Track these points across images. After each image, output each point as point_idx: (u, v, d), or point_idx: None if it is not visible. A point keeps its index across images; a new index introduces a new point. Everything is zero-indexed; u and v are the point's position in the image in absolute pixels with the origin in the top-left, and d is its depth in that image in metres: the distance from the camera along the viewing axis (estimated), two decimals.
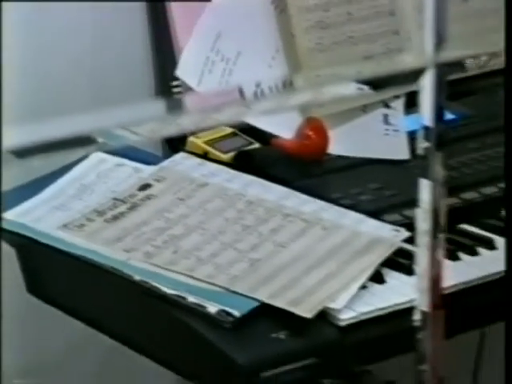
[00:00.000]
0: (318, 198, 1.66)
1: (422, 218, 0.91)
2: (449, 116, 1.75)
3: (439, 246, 0.93)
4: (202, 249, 1.55)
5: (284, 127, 1.75)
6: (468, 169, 1.71)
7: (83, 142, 0.80)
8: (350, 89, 0.96)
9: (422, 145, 0.91)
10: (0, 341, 0.62)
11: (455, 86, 1.74)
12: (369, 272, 1.52)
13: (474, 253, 1.63)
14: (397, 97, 1.73)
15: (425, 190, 0.89)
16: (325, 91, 0.99)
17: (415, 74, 0.90)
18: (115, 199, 1.64)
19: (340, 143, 1.77)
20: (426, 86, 0.88)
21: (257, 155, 1.75)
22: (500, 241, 1.64)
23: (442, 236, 0.93)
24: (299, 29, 1.80)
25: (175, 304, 1.48)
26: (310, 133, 1.74)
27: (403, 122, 1.78)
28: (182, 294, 1.48)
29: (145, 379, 1.85)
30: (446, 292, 0.96)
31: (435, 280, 0.91)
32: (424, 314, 0.89)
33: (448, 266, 1.55)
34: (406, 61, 0.89)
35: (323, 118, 1.75)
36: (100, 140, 0.82)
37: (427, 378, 0.91)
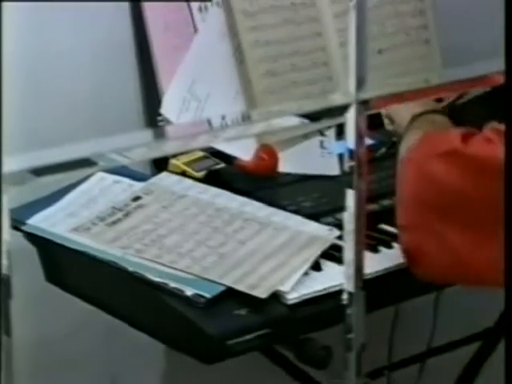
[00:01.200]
0: (270, 206, 1.66)
1: (349, 220, 0.92)
2: (368, 141, 1.76)
3: (362, 241, 0.93)
4: (181, 246, 1.54)
5: (244, 151, 1.75)
6: (385, 181, 1.70)
7: (88, 163, 0.80)
8: (294, 121, 0.97)
9: (348, 163, 0.91)
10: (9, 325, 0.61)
11: (374, 117, 1.76)
12: (309, 262, 1.52)
13: (389, 246, 1.62)
14: (329, 127, 1.74)
15: (350, 198, 0.90)
16: (274, 123, 1.00)
17: (342, 109, 0.90)
18: (113, 208, 1.63)
19: (287, 163, 1.77)
20: (351, 119, 0.89)
21: (223, 173, 1.75)
22: None
23: (363, 233, 0.93)
24: (254, 76, 1.79)
25: (160, 289, 1.47)
26: (264, 155, 1.74)
27: (334, 147, 1.79)
28: (165, 281, 1.47)
29: (138, 348, 1.83)
30: (368, 277, 0.97)
31: (359, 268, 0.91)
32: (350, 294, 0.90)
33: (369, 257, 1.57)
34: (336, 99, 0.89)
35: (274, 144, 1.75)
36: (101, 162, 0.82)
37: (353, 344, 0.91)
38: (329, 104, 0.91)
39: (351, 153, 0.92)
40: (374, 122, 1.69)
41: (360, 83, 0.88)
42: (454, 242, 1.52)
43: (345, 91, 0.91)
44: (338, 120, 0.93)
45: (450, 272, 1.55)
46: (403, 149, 1.61)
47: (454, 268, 1.53)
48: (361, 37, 0.88)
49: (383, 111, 1.77)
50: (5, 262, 0.67)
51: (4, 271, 0.69)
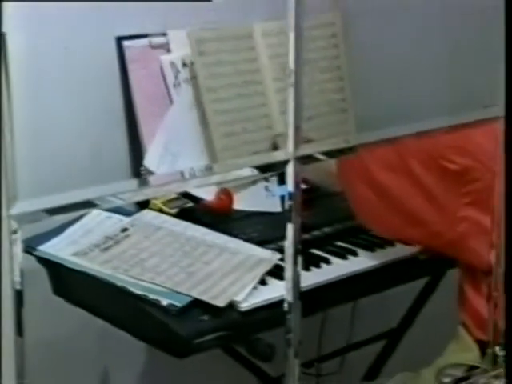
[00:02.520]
0: (227, 235, 1.66)
1: (288, 246, 0.91)
2: (303, 186, 1.77)
3: (298, 262, 0.93)
4: (158, 266, 1.54)
5: (207, 193, 1.75)
6: (316, 218, 1.71)
7: (90, 205, 0.80)
8: (246, 172, 0.97)
9: (288, 203, 0.91)
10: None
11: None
12: (258, 278, 1.53)
13: (319, 266, 1.63)
14: (273, 175, 1.75)
15: (289, 229, 0.90)
16: (231, 174, 1.00)
17: (284, 163, 0.90)
18: (106, 237, 1.63)
19: (240, 202, 1.78)
20: (290, 170, 0.89)
21: (191, 210, 1.75)
22: (333, 259, 1.65)
23: (299, 256, 0.93)
24: (215, 137, 1.79)
25: (142, 300, 1.47)
26: (222, 196, 1.75)
27: (277, 190, 1.79)
28: (146, 294, 1.47)
29: (125, 347, 1.82)
30: (303, 290, 0.96)
31: (296, 283, 0.91)
32: (289, 303, 0.89)
33: (304, 274, 1.57)
34: (278, 156, 0.89)
35: (230, 188, 1.76)
36: (100, 203, 0.82)
37: (291, 342, 0.91)
38: (273, 159, 0.92)
39: (290, 195, 0.92)
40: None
41: (297, 144, 0.88)
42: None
43: (285, 149, 0.91)
44: (280, 170, 0.93)
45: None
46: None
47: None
48: (297, 106, 0.88)
49: None
50: (18, 279, 0.66)
51: (18, 286, 0.68)
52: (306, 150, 0.89)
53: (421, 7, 2.03)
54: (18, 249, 0.66)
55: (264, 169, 0.96)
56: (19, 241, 0.66)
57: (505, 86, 1.11)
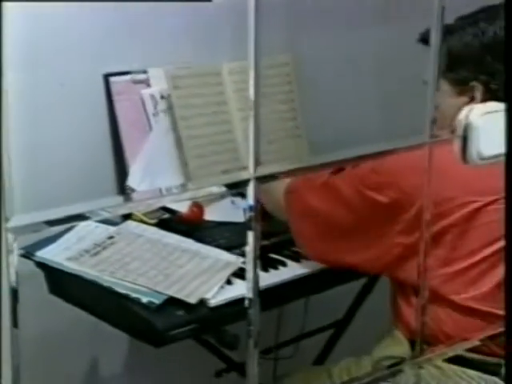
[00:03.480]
0: (198, 242, 1.64)
1: (249, 251, 0.90)
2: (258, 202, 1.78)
3: (257, 265, 0.91)
4: (139, 269, 1.52)
5: (182, 207, 1.74)
6: (274, 227, 1.70)
7: (80, 217, 0.78)
8: (215, 189, 0.96)
9: (249, 214, 0.90)
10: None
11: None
12: (224, 279, 1.51)
13: (276, 268, 1.61)
14: (238, 192, 1.74)
15: (250, 237, 0.88)
16: (202, 190, 0.98)
17: (246, 181, 0.89)
18: (95, 244, 1.60)
19: (210, 213, 1.76)
20: (250, 188, 0.87)
21: (168, 221, 1.72)
22: (288, 262, 1.64)
23: (258, 260, 0.91)
24: (189, 158, 1.80)
25: (125, 298, 1.45)
26: (194, 209, 1.73)
27: (241, 203, 1.78)
28: (129, 293, 1.46)
29: (112, 339, 1.79)
30: (261, 289, 0.95)
31: (255, 282, 0.89)
32: (250, 300, 0.87)
33: (262, 275, 1.56)
34: (242, 175, 0.88)
35: (201, 201, 1.74)
36: (88, 215, 0.80)
37: (252, 333, 0.89)
38: (236, 178, 0.90)
39: (251, 208, 0.91)
40: None
41: (257, 165, 0.87)
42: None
43: (247, 170, 0.90)
44: (244, 188, 0.91)
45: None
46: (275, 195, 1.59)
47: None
48: (257, 133, 0.87)
49: None
50: (14, 278, 0.67)
51: (14, 285, 0.68)
52: (264, 170, 0.87)
53: (358, 54, 2.06)
54: (15, 257, 0.67)
55: (230, 186, 0.95)
56: (15, 250, 0.66)
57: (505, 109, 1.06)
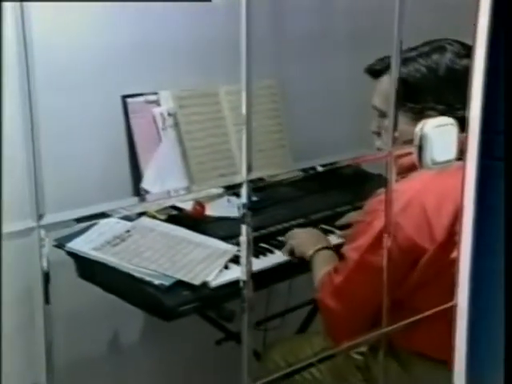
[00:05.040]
0: (201, 234, 1.62)
1: (243, 241, 0.90)
2: (254, 198, 1.76)
3: (250, 252, 0.91)
4: (152, 257, 1.51)
5: (187, 205, 1.72)
6: (264, 221, 1.70)
7: (104, 215, 0.78)
8: (214, 191, 0.95)
9: (242, 211, 0.89)
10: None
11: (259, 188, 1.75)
12: (223, 264, 1.50)
13: (265, 255, 1.61)
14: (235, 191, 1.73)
15: (243, 229, 0.88)
16: (204, 192, 0.98)
17: (240, 184, 0.88)
18: (115, 236, 1.59)
19: (210, 210, 1.74)
20: (244, 189, 0.87)
21: (176, 217, 1.70)
22: (275, 250, 1.62)
23: (251, 248, 0.91)
24: (192, 165, 1.79)
25: (140, 281, 1.44)
26: (197, 207, 1.71)
27: (235, 201, 1.75)
28: (143, 276, 1.45)
29: (130, 315, 1.77)
30: (253, 272, 0.94)
31: (249, 267, 0.89)
32: (244, 281, 0.87)
33: (254, 261, 1.55)
34: (236, 179, 0.87)
35: (203, 201, 1.72)
36: (109, 213, 0.80)
37: (245, 309, 0.88)
38: (232, 181, 0.90)
39: (244, 205, 0.90)
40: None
41: (249, 170, 0.87)
42: None
43: (240, 174, 0.89)
44: (238, 189, 0.91)
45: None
46: (315, 279, 1.47)
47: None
48: (249, 143, 0.87)
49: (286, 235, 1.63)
50: (45, 264, 0.67)
51: (46, 269, 0.68)
52: (255, 174, 0.86)
53: (332, 77, 2.05)
54: (47, 247, 0.67)
55: (227, 188, 0.95)
56: (47, 242, 0.66)
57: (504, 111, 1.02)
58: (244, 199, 0.86)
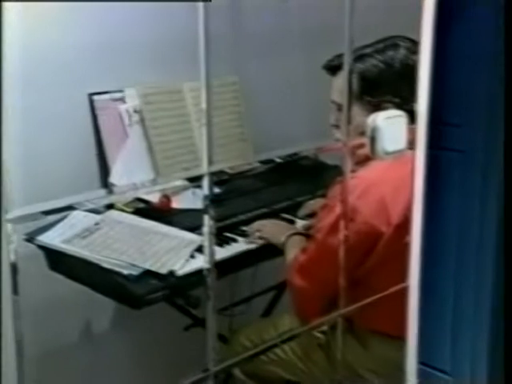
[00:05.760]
0: (168, 225, 1.61)
1: (205, 231, 0.89)
2: (219, 190, 1.76)
3: (212, 241, 0.91)
4: (120, 248, 1.50)
5: (154, 198, 1.71)
6: (227, 211, 1.70)
7: (71, 207, 0.77)
8: (178, 183, 0.95)
9: (204, 203, 0.89)
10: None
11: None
12: (189, 253, 1.50)
13: (229, 244, 1.61)
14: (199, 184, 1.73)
15: (206, 220, 0.88)
16: (167, 184, 0.97)
17: (201, 176, 0.88)
18: (84, 229, 1.57)
19: (176, 202, 1.73)
20: (205, 181, 0.87)
21: (143, 209, 1.70)
22: (239, 239, 1.63)
23: (213, 237, 0.91)
24: (158, 159, 1.78)
25: (110, 271, 1.43)
26: (164, 199, 1.71)
27: (200, 194, 1.76)
28: (113, 267, 1.43)
29: (102, 304, 1.75)
30: (217, 261, 0.94)
31: (211, 255, 0.89)
32: (208, 270, 0.87)
33: (218, 250, 1.55)
34: (199, 171, 0.87)
35: (169, 193, 1.71)
36: (76, 206, 0.79)
37: (210, 295, 0.89)
38: (195, 173, 0.90)
39: (206, 197, 0.90)
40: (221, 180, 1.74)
41: (210, 163, 0.86)
42: None
43: (202, 167, 0.89)
44: (200, 181, 0.90)
45: None
46: (287, 262, 1.49)
47: None
48: (209, 138, 0.87)
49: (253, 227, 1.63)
50: (13, 256, 0.67)
51: (13, 261, 0.68)
52: (216, 167, 0.86)
53: (290, 73, 2.06)
54: (15, 240, 0.66)
55: (190, 180, 0.94)
56: (15, 235, 0.66)
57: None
58: (206, 191, 0.86)
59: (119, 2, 1.69)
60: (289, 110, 2.07)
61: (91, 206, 0.86)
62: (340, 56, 1.38)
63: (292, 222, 1.73)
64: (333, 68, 1.41)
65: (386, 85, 1.34)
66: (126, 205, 1.69)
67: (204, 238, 0.94)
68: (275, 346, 1.40)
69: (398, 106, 1.24)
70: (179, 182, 1.01)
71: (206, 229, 0.89)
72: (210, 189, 0.88)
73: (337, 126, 1.44)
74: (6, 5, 0.61)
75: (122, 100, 1.80)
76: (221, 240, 1.61)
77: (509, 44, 0.99)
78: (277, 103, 2.05)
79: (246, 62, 2.02)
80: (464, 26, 1.80)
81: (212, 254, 0.89)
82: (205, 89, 0.85)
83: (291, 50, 2.04)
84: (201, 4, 0.78)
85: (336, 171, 1.34)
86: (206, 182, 0.87)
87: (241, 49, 1.99)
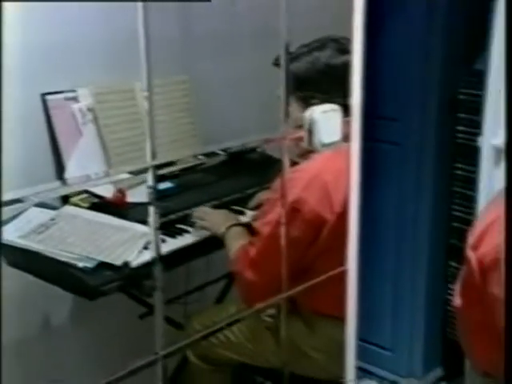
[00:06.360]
0: (122, 219, 1.60)
1: (151, 221, 0.90)
2: (167, 184, 1.76)
3: (158, 232, 0.91)
4: (76, 242, 1.48)
5: (109, 192, 1.70)
6: (180, 204, 1.69)
7: (20, 201, 0.76)
8: (127, 175, 0.95)
9: (149, 193, 0.89)
10: None
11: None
12: (142, 245, 1.49)
13: (181, 235, 1.61)
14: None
15: (151, 210, 0.88)
16: (120, 176, 0.97)
17: (146, 169, 0.88)
18: (40, 224, 1.55)
19: (131, 197, 1.71)
20: (150, 174, 0.87)
21: (98, 204, 1.68)
22: (191, 229, 1.62)
23: (158, 227, 0.91)
24: (111, 154, 1.77)
25: (65, 264, 1.42)
26: (118, 194, 1.69)
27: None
28: (68, 260, 1.42)
29: (59, 296, 1.72)
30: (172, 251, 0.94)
31: (157, 247, 0.89)
32: (154, 259, 0.87)
33: (171, 241, 1.55)
34: (143, 164, 0.87)
35: (124, 188, 1.69)
36: (29, 199, 0.78)
37: (157, 285, 0.89)
38: (140, 167, 0.90)
39: (150, 188, 0.91)
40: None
41: (153, 157, 0.87)
42: None
43: (147, 160, 0.89)
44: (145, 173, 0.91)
45: None
46: (230, 253, 1.49)
47: None
48: (152, 133, 0.87)
49: (195, 214, 1.62)
50: None
51: None
52: (159, 160, 0.87)
53: (238, 71, 2.07)
54: None
55: (135, 173, 0.94)
56: None
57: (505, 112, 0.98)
58: (150, 182, 0.86)
59: (71, 2, 1.66)
60: (237, 106, 2.08)
61: (43, 200, 0.84)
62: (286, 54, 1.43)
63: (242, 213, 1.74)
64: (279, 65, 1.45)
65: (310, 82, 1.40)
66: (82, 200, 1.67)
67: (149, 228, 0.94)
68: (222, 328, 1.41)
69: (323, 101, 1.29)
70: (127, 176, 1.00)
71: (151, 219, 0.89)
72: (155, 181, 0.88)
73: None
74: (5, 5, 0.59)
75: (75, 99, 1.78)
76: (174, 232, 1.61)
77: (509, 43, 0.98)
78: (226, 100, 2.06)
79: (196, 61, 2.02)
80: (396, 25, 1.86)
81: (158, 244, 0.90)
82: (147, 89, 0.86)
83: (238, 49, 2.05)
84: (140, 4, 0.78)
85: (281, 164, 1.38)
86: (150, 175, 0.87)
87: (191, 49, 1.99)
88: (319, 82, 1.40)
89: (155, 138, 0.90)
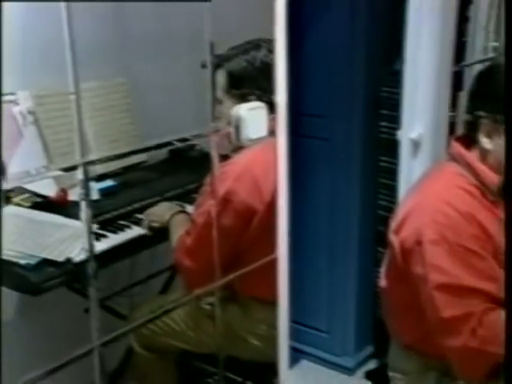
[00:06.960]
0: (64, 217, 1.57)
1: (83, 216, 0.88)
2: (109, 183, 1.74)
3: (90, 226, 0.89)
4: (17, 241, 1.45)
5: (52, 192, 1.67)
6: (123, 201, 1.66)
7: None
8: (61, 173, 0.93)
9: (80, 190, 0.88)
10: None
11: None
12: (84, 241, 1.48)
13: (123, 231, 1.60)
14: (94, 178, 1.70)
15: (83, 205, 0.87)
16: (57, 173, 0.95)
17: (76, 166, 0.87)
18: None
19: (73, 195, 1.67)
20: (80, 170, 0.86)
21: (41, 203, 1.64)
22: (133, 226, 1.61)
23: (91, 227, 0.89)
24: (53, 156, 1.73)
25: (8, 262, 1.38)
26: (61, 193, 1.66)
27: (95, 186, 1.73)
28: (10, 258, 1.39)
29: (5, 295, 1.67)
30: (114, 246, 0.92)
31: (91, 243, 0.87)
32: (87, 255, 0.85)
33: (113, 236, 1.53)
34: (74, 161, 0.85)
35: (66, 187, 1.67)
36: None
37: (92, 276, 0.88)
38: (71, 164, 0.89)
39: (81, 182, 0.90)
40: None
41: (83, 153, 0.86)
42: None
43: (78, 160, 0.88)
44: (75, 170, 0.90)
45: None
46: (173, 242, 1.49)
47: None
48: (80, 132, 0.86)
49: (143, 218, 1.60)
50: None
51: None
52: (90, 157, 0.86)
53: (175, 74, 2.06)
54: None
55: (66, 170, 0.93)
56: None
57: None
58: (80, 176, 0.85)
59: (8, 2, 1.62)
60: (175, 106, 2.07)
61: None
62: (217, 56, 1.44)
63: (183, 208, 1.74)
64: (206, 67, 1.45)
65: (248, 79, 1.42)
66: (24, 200, 1.63)
67: (97, 226, 0.93)
68: (159, 316, 1.41)
69: (259, 97, 1.33)
70: (61, 173, 0.99)
71: (83, 214, 0.88)
72: (85, 177, 0.88)
73: (218, 118, 1.47)
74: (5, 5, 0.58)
75: (15, 102, 1.73)
76: (116, 228, 1.60)
77: (509, 42, 0.94)
78: (163, 100, 2.05)
79: (133, 64, 2.01)
80: (320, 27, 1.90)
81: (91, 239, 0.89)
82: (75, 91, 0.85)
83: (173, 51, 2.05)
84: (63, 4, 0.77)
85: (219, 159, 1.39)
86: (80, 171, 0.87)
87: (128, 52, 1.98)
88: (257, 79, 1.41)
89: (98, 137, 0.89)
